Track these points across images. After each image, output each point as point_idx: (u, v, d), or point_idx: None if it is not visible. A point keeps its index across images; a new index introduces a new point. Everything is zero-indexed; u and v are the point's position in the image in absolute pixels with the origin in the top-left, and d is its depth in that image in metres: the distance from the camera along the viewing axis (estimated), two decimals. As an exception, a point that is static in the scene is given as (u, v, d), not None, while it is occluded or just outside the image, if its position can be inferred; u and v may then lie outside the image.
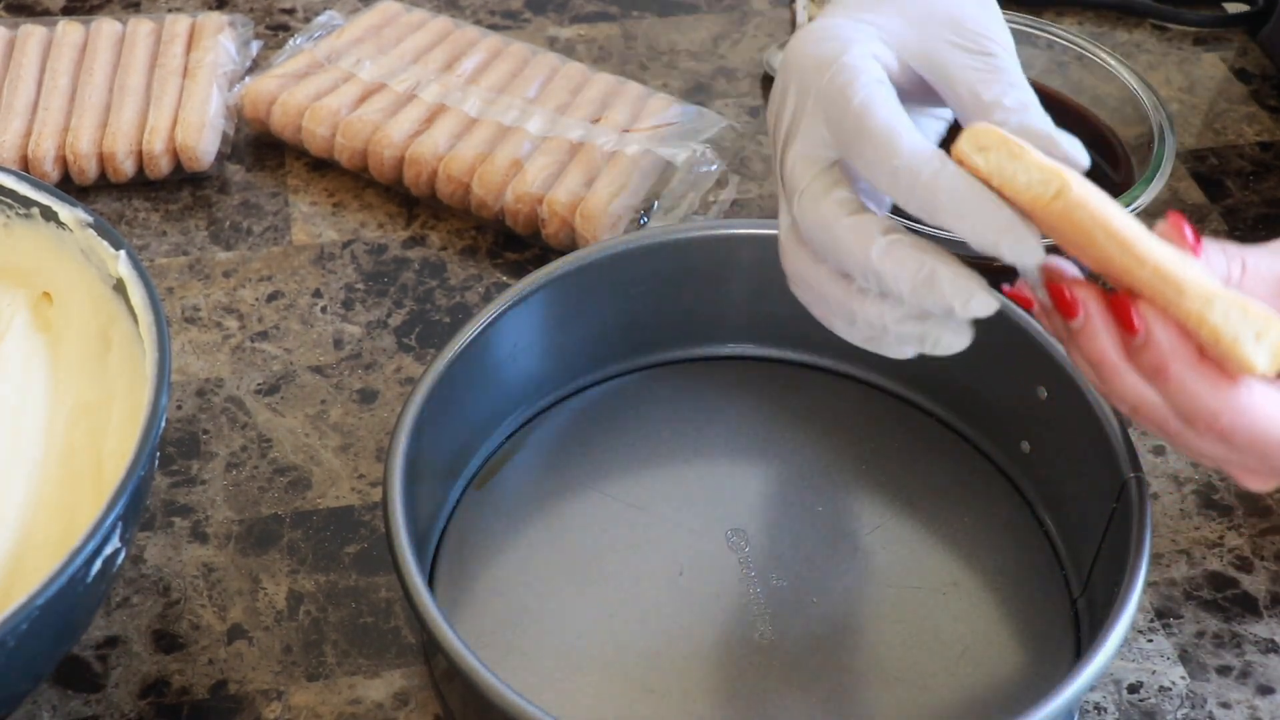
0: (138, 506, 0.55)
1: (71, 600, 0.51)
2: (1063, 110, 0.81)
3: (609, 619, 0.63)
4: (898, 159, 0.49)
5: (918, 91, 0.54)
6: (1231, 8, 0.99)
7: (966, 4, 0.53)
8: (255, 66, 0.91)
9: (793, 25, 0.97)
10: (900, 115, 0.50)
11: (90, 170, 0.82)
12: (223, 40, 0.88)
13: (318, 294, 0.78)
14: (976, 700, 0.60)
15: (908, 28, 0.53)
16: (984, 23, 0.53)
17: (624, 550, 0.65)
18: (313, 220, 0.83)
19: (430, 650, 0.61)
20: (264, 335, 0.76)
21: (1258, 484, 0.51)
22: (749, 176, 0.86)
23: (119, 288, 0.60)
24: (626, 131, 0.83)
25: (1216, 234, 0.83)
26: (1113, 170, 0.78)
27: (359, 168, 0.84)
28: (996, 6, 0.55)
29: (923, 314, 0.51)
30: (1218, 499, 0.70)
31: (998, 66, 0.52)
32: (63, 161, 0.82)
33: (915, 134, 0.49)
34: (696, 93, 0.92)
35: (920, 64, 0.53)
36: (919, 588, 0.64)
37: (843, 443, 0.70)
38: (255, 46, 0.91)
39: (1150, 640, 0.64)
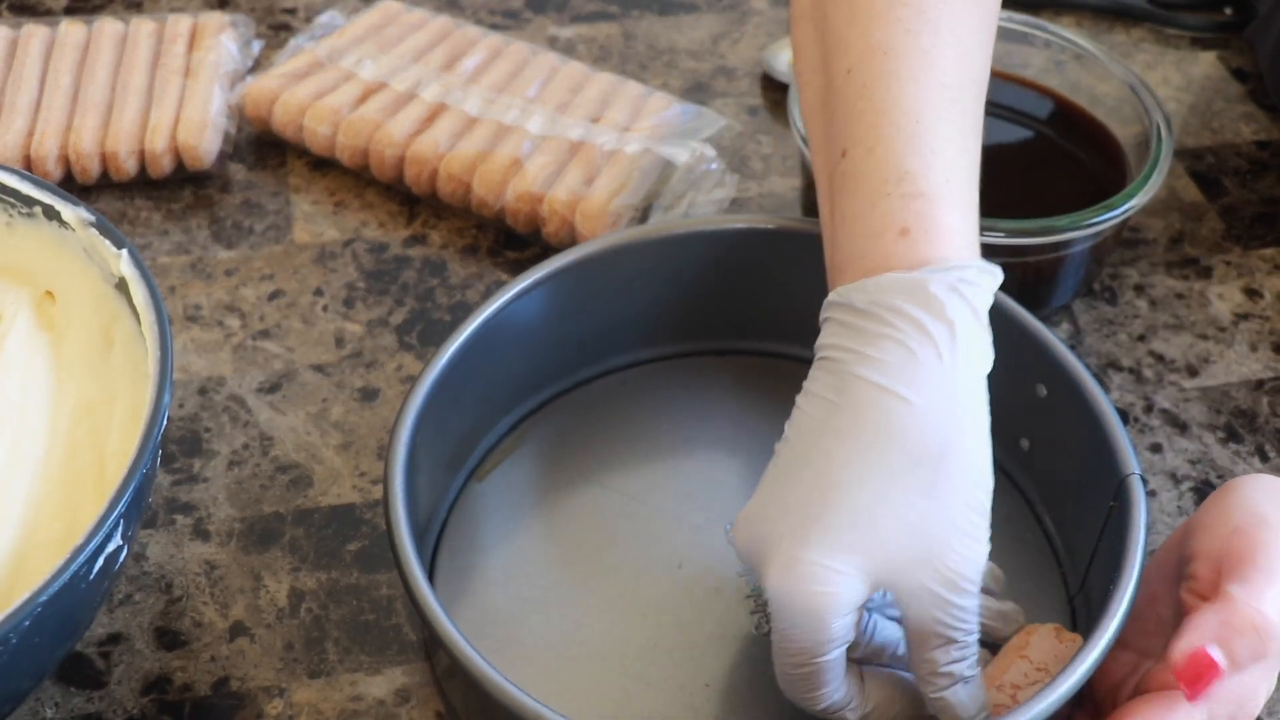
0: (140, 504, 0.56)
1: (74, 598, 0.52)
2: (1060, 110, 0.82)
3: (608, 611, 0.63)
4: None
5: None
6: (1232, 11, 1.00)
7: (948, 537, 0.53)
8: (257, 66, 0.91)
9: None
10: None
11: (92, 169, 0.83)
12: (224, 40, 0.89)
13: (319, 293, 0.79)
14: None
15: (880, 576, 0.53)
16: (959, 559, 0.54)
17: (623, 543, 0.66)
18: (314, 219, 0.83)
19: (432, 646, 0.62)
20: (265, 334, 0.76)
21: None
22: (748, 175, 0.86)
23: (121, 286, 0.61)
24: (626, 130, 0.83)
25: (1214, 232, 0.84)
26: (1110, 169, 0.79)
27: (360, 167, 0.84)
28: (983, 535, 0.54)
29: None
30: (1215, 496, 0.70)
31: (952, 629, 0.54)
32: (65, 161, 0.82)
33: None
34: (696, 92, 0.92)
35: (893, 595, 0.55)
36: (917, 584, 0.64)
37: (842, 440, 0.70)
38: (257, 46, 0.92)
39: (1148, 637, 0.65)
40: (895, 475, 0.53)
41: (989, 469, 0.55)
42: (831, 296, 0.57)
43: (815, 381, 0.56)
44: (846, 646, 0.54)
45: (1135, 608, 0.56)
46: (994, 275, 0.56)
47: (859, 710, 0.56)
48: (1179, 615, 0.55)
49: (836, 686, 0.55)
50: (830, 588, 0.53)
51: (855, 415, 0.54)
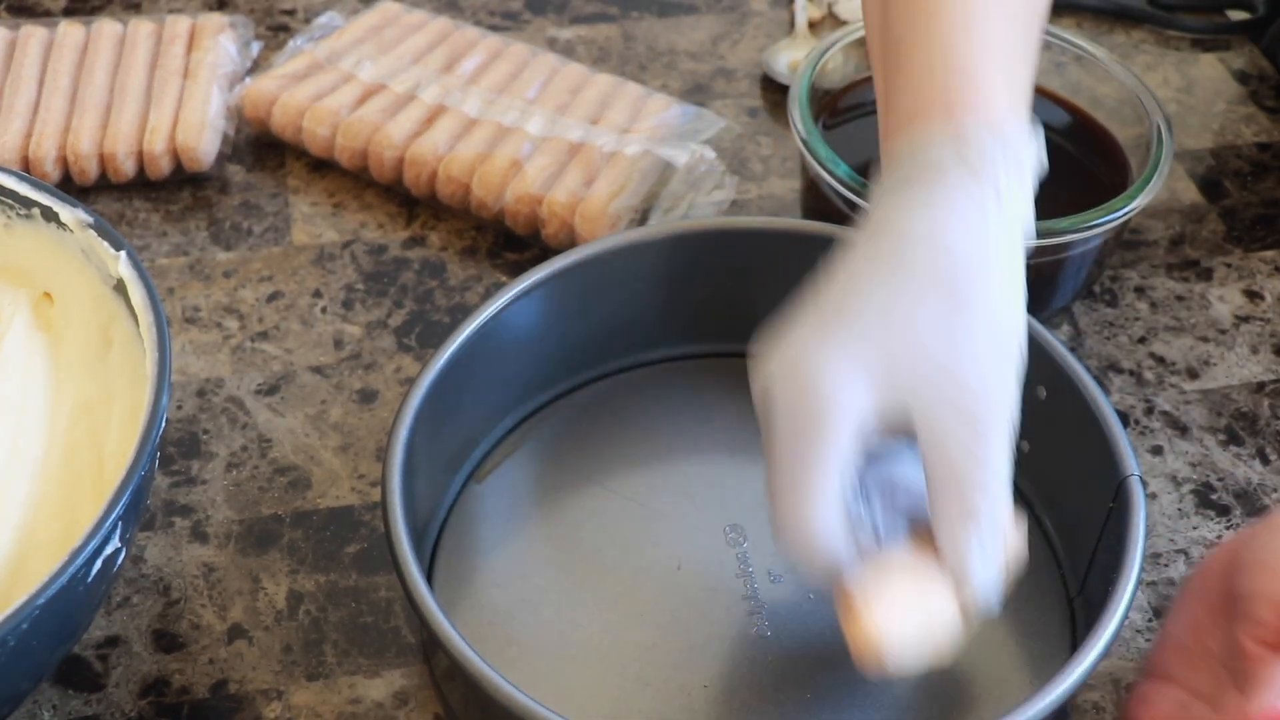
0: (138, 506, 0.56)
1: (72, 600, 0.51)
2: (1060, 112, 0.82)
3: (607, 612, 0.63)
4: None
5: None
6: (1234, 14, 0.99)
7: (968, 369, 0.52)
8: (256, 67, 0.91)
9: (791, 25, 0.97)
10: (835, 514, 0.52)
11: (91, 171, 0.82)
12: (223, 41, 0.89)
13: (318, 294, 0.78)
14: (972, 697, 0.60)
15: (894, 389, 0.52)
16: (982, 399, 0.52)
17: (623, 544, 0.66)
18: (313, 221, 0.83)
19: (430, 648, 0.62)
20: (264, 335, 0.76)
21: None
22: (748, 177, 0.86)
23: (119, 288, 0.60)
24: (626, 132, 0.83)
25: (1215, 234, 0.84)
26: (1111, 171, 0.79)
27: (359, 168, 0.84)
28: (1014, 358, 0.53)
29: None
30: (1215, 499, 0.70)
31: (970, 479, 0.52)
32: (63, 162, 0.82)
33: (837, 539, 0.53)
34: (695, 93, 0.92)
35: (902, 423, 0.53)
36: (917, 587, 0.64)
37: (841, 442, 0.70)
38: (256, 47, 0.92)
39: (1148, 640, 0.64)
40: (917, 296, 0.52)
41: (1021, 333, 0.54)
42: (880, 168, 0.58)
43: (854, 232, 0.57)
44: (845, 485, 0.52)
45: (1177, 635, 0.55)
46: (1035, 134, 0.58)
47: (865, 585, 0.53)
48: (1233, 654, 0.53)
49: (833, 527, 0.52)
50: (835, 379, 0.51)
51: (885, 246, 0.54)
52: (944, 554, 0.52)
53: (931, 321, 0.52)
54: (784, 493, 0.52)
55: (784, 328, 0.54)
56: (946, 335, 0.52)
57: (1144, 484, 0.59)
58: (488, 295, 0.71)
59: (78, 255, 0.63)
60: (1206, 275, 0.81)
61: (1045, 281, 0.75)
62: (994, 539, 0.52)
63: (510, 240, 0.82)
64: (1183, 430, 0.73)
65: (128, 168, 0.83)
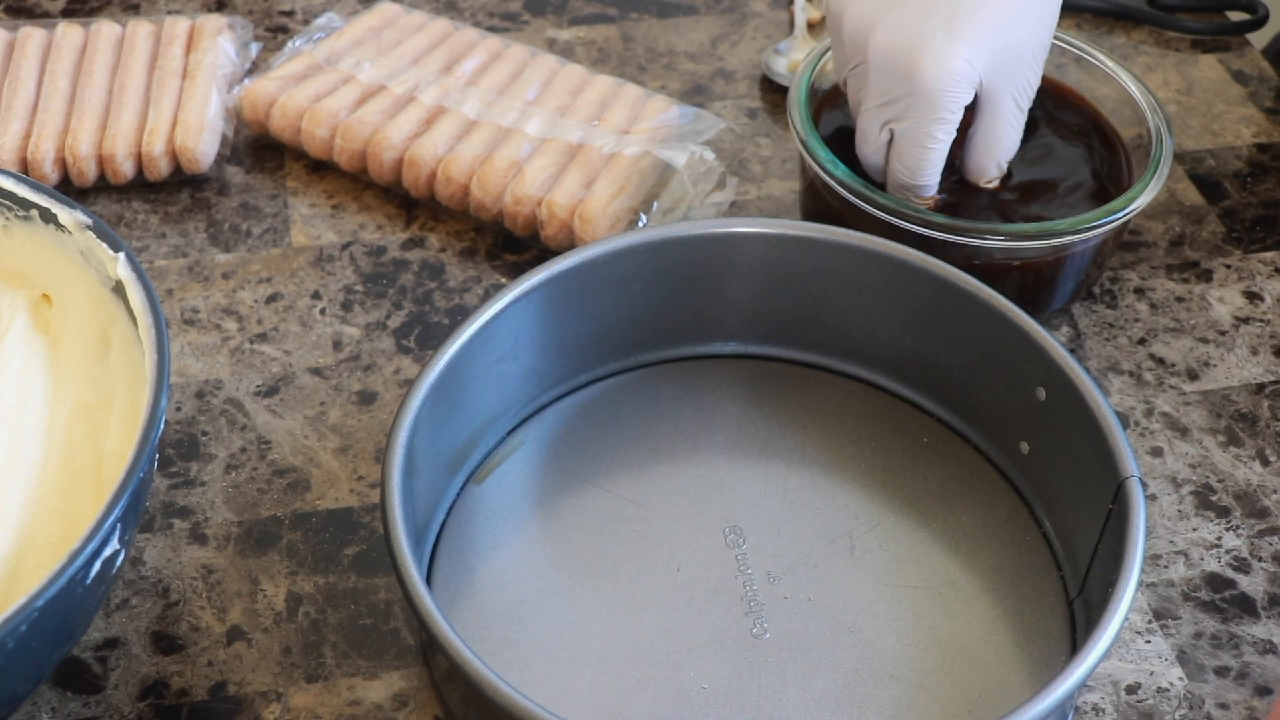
0: (137, 508, 0.56)
1: (71, 602, 0.51)
2: (1067, 103, 0.81)
3: (606, 614, 0.63)
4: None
5: None
6: (1234, 15, 0.99)
7: (1036, 60, 0.71)
8: (254, 68, 0.91)
9: (791, 27, 0.97)
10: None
11: (90, 172, 0.82)
12: (222, 42, 0.88)
13: (317, 296, 0.78)
14: (971, 699, 0.60)
15: (993, 74, 0.70)
16: (1030, 96, 0.73)
17: (622, 546, 0.65)
18: (312, 222, 0.83)
19: (430, 650, 0.62)
20: (263, 337, 0.76)
21: None
22: (747, 178, 0.86)
23: (118, 289, 0.60)
24: (625, 133, 0.83)
25: (1214, 235, 0.84)
26: (1113, 171, 0.78)
27: (358, 169, 0.84)
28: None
29: None
30: (1215, 500, 0.70)
31: (1012, 141, 0.74)
32: (62, 163, 0.82)
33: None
34: (695, 94, 0.92)
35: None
36: (916, 586, 0.64)
37: (841, 442, 0.70)
38: (254, 48, 0.92)
39: (1148, 641, 0.64)
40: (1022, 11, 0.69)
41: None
42: None
43: None
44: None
45: None
46: None
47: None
48: None
49: (940, 169, 0.72)
50: (968, 78, 0.68)
51: None
52: (976, 177, 0.75)
53: (1027, 25, 0.69)
54: (914, 157, 0.71)
55: (911, 25, 0.68)
56: (1034, 33, 0.70)
57: (1144, 485, 0.59)
58: (487, 296, 0.71)
59: (76, 257, 0.62)
60: (1206, 276, 0.81)
61: (1045, 282, 0.75)
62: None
63: (509, 241, 0.82)
64: (1182, 431, 0.73)
65: (126, 169, 0.83)
